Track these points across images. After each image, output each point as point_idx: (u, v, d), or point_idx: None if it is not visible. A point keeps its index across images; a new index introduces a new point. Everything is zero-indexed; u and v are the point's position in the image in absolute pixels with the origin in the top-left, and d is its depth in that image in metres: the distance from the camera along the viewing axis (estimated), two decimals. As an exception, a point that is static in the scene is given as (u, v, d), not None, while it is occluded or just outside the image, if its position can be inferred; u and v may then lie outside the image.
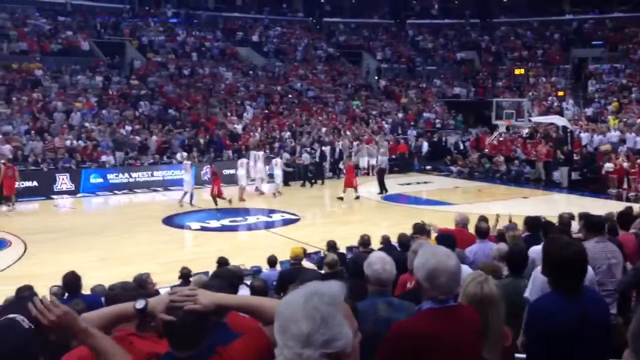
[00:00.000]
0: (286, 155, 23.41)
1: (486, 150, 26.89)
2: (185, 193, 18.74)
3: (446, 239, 6.00)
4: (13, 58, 27.32)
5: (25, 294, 6.01)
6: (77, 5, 34.07)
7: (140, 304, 2.28)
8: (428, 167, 27.36)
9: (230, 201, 18.03)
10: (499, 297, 3.08)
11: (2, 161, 18.75)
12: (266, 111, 28.70)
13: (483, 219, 8.04)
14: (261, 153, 22.10)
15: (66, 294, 6.60)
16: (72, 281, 6.35)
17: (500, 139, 27.26)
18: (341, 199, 19.50)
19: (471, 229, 7.97)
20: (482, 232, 7.35)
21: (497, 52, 38.33)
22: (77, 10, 33.73)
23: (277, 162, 21.44)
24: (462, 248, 6.72)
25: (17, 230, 14.93)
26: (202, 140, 24.42)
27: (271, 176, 21.53)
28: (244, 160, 20.66)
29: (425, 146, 28.04)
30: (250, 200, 19.89)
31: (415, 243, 4.29)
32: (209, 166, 20.79)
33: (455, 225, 8.25)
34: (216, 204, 18.01)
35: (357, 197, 19.77)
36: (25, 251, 13.15)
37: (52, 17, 32.10)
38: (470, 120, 33.31)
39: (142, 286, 6.08)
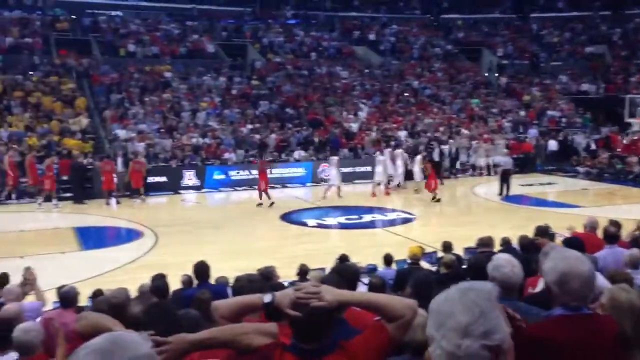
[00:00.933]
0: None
1: (618, 150, 25.11)
2: (330, 186, 19.87)
3: (574, 243, 5.70)
4: (146, 61, 29.32)
5: (159, 282, 6.44)
6: (202, 10, 35.96)
7: (267, 297, 2.36)
8: (551, 168, 26.05)
9: (272, 204, 18.25)
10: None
11: (131, 157, 20.15)
12: (383, 110, 28.62)
13: (613, 223, 7.56)
14: (400, 150, 22.24)
15: (195, 283, 6.98)
16: (202, 270, 6.72)
17: (634, 137, 25.39)
18: (438, 200, 19.01)
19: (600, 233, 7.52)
20: (612, 237, 6.91)
21: (630, 45, 35.69)
22: (203, 14, 35.58)
23: (417, 159, 21.38)
24: (590, 253, 6.36)
25: (149, 222, 16.00)
26: (317, 139, 24.81)
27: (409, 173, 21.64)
28: (381, 158, 20.97)
29: (553, 145, 26.59)
30: (369, 198, 19.95)
31: (547, 246, 4.12)
32: (258, 161, 20.81)
33: (584, 229, 7.82)
34: (260, 198, 18.35)
35: (438, 200, 18.98)
36: (156, 242, 14.05)
37: (180, 21, 34.09)
38: (600, 118, 31.29)
39: (268, 278, 6.30)
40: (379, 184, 20.68)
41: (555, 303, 2.59)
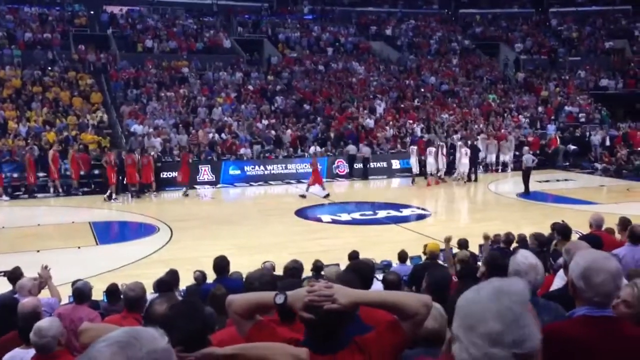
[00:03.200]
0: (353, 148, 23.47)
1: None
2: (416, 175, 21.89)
3: (591, 240, 5.59)
4: (163, 56, 29.44)
5: (166, 277, 6.46)
6: (221, 6, 36.04)
7: (279, 298, 2.34)
8: (568, 164, 25.77)
9: (187, 195, 19.72)
10: None
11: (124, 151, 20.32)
12: (401, 105, 28.47)
13: None
14: (460, 143, 22.82)
15: (214, 277, 6.98)
16: (221, 264, 6.72)
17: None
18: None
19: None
20: (637, 237, 6.76)
21: (652, 40, 35.20)
22: (221, 10, 35.66)
23: (466, 151, 21.85)
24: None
25: (164, 217, 16.09)
26: (332, 134, 24.73)
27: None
28: (432, 149, 21.66)
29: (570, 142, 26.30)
30: (385, 193, 19.93)
31: (569, 243, 4.05)
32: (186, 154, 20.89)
33: (589, 227, 7.67)
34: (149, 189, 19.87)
35: (303, 196, 19.01)
36: (171, 237, 14.12)
37: (198, 17, 34.21)
38: (619, 114, 30.90)
39: (294, 274, 6.23)
40: (431, 174, 21.65)
41: (579, 301, 2.50)
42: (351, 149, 23.28)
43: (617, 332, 2.42)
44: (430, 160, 21.54)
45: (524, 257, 3.42)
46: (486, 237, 8.59)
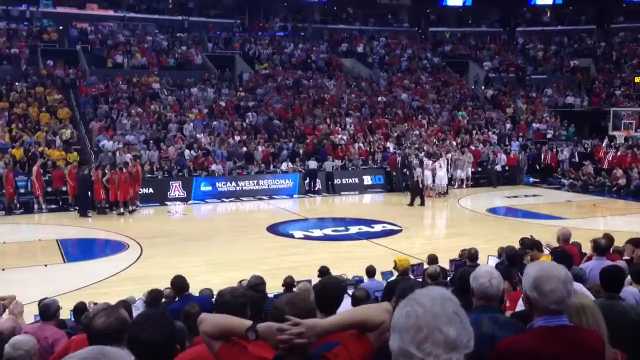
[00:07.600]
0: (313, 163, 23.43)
1: (604, 165, 25.15)
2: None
3: (562, 255, 5.68)
4: (134, 72, 29.22)
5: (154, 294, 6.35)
6: (192, 22, 35.99)
7: (252, 335, 2.33)
8: (536, 180, 26.16)
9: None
10: (592, 307, 2.91)
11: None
12: (370, 122, 28.67)
13: (606, 236, 7.60)
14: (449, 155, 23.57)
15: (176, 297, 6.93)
16: (180, 284, 6.67)
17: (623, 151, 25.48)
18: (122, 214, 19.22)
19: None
20: (601, 249, 6.93)
21: (615, 59, 36.19)
22: (193, 26, 35.60)
23: (440, 164, 22.28)
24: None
25: (134, 234, 15.87)
26: (301, 151, 24.66)
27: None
28: (401, 158, 22.69)
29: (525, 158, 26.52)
30: (354, 209, 19.98)
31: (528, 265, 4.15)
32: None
33: (557, 241, 7.82)
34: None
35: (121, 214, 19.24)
36: (141, 254, 13.92)
37: (169, 33, 34.09)
38: (585, 131, 31.60)
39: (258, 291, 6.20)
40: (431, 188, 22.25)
41: (535, 313, 2.54)
42: (311, 164, 23.26)
43: (573, 339, 2.48)
44: (426, 173, 21.94)
45: (479, 267, 3.52)
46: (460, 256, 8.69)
